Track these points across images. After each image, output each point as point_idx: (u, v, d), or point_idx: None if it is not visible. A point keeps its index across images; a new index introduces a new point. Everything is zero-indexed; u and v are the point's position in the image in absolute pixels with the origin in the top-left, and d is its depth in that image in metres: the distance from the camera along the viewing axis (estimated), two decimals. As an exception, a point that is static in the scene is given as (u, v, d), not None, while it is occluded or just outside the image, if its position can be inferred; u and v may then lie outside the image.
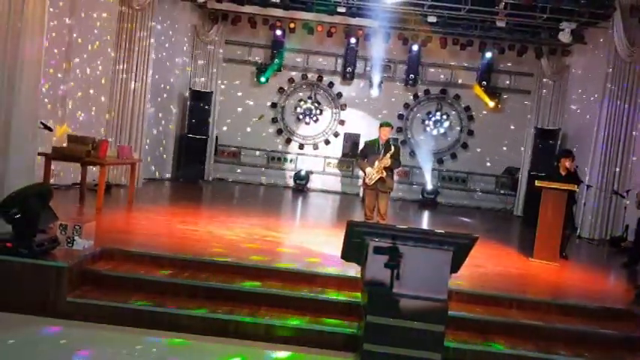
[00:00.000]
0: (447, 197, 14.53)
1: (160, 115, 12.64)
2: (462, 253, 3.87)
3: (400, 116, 14.75)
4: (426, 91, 14.79)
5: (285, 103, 14.94)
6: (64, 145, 7.76)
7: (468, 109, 14.78)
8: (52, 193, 5.27)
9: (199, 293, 4.89)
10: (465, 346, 4.48)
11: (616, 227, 10.26)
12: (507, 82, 14.71)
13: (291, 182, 14.57)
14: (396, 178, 8.08)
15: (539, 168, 11.86)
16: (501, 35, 13.11)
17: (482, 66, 14.33)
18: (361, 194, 12.04)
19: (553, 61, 13.51)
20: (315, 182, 14.71)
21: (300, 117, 14.92)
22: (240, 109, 14.82)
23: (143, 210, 8.40)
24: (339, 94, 14.84)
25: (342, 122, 14.89)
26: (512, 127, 14.51)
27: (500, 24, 11.87)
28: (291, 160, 14.90)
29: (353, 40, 14.17)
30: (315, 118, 14.93)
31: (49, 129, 7.04)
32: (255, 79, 14.71)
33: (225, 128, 14.69)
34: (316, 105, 14.92)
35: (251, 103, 14.85)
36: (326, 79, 14.85)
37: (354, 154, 12.77)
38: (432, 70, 14.83)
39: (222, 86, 14.49)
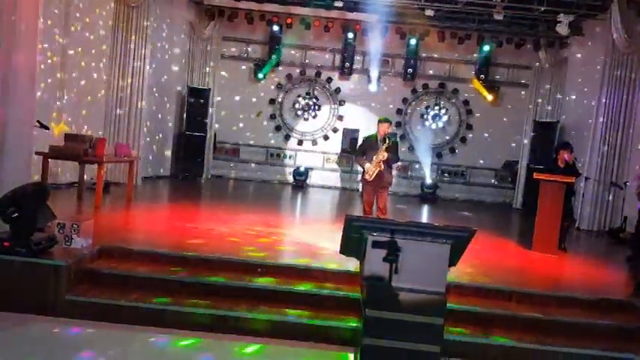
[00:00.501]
0: (446, 191, 14.54)
1: (158, 112, 12.62)
2: (460, 246, 3.86)
3: (399, 111, 14.74)
4: (425, 86, 14.77)
5: (283, 99, 14.92)
6: (62, 143, 7.74)
7: (466, 102, 14.77)
8: (50, 191, 5.26)
9: (199, 290, 4.88)
10: (465, 339, 4.49)
11: (615, 219, 10.27)
12: (505, 75, 14.69)
13: (290, 178, 14.57)
14: (395, 172, 8.07)
15: (538, 160, 11.86)
16: (499, 28, 13.08)
17: (480, 59, 14.32)
18: (360, 189, 12.04)
19: (551, 53, 13.49)
20: (314, 178, 14.71)
21: (299, 113, 14.91)
22: (238, 106, 14.79)
23: (142, 208, 8.39)
24: (338, 90, 14.82)
25: (340, 118, 14.87)
26: (510, 120, 14.50)
27: (498, 17, 11.84)
28: (290, 157, 14.89)
29: (350, 35, 14.14)
30: (313, 114, 14.92)
31: (46, 128, 7.01)
32: (253, 76, 14.69)
33: (223, 125, 14.67)
34: (314, 101, 14.90)
35: (249, 99, 14.82)
36: (324, 74, 14.82)
37: (353, 149, 12.77)
38: (430, 64, 14.81)
39: (220, 83, 14.46)
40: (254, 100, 14.83)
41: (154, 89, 11.96)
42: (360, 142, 7.54)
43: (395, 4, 12.04)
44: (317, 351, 4.29)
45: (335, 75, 14.82)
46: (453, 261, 3.85)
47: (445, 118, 14.82)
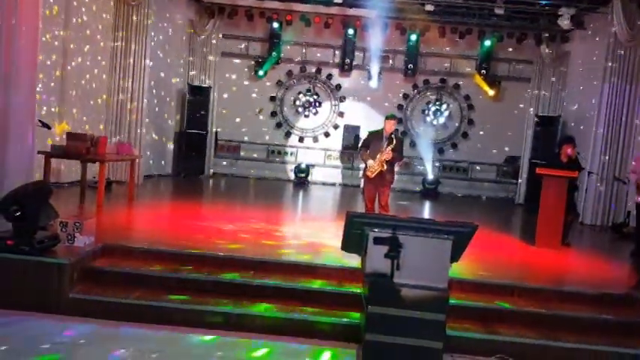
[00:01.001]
0: (448, 187, 14.51)
1: (159, 110, 12.62)
2: (462, 241, 3.85)
3: (400, 107, 14.70)
4: (426, 81, 14.73)
5: (283, 96, 14.90)
6: (64, 142, 7.75)
7: (467, 98, 14.72)
8: (52, 190, 5.27)
9: (202, 287, 4.89)
10: (467, 335, 4.48)
11: (618, 213, 10.24)
12: (507, 70, 14.63)
13: (292, 175, 14.56)
14: (396, 169, 8.03)
15: (540, 155, 11.82)
16: (500, 23, 13.01)
17: (481, 54, 14.26)
18: (362, 186, 12.03)
19: (553, 47, 13.42)
20: (316, 175, 14.70)
21: (300, 110, 14.88)
22: (238, 104, 14.77)
23: (144, 206, 8.40)
24: (338, 86, 14.79)
25: (341, 114, 14.84)
26: (512, 115, 14.44)
27: (499, 11, 11.79)
28: (291, 154, 14.87)
29: (350, 31, 14.09)
30: (314, 111, 14.89)
31: (48, 127, 7.03)
32: (253, 73, 14.67)
33: (224, 123, 14.65)
34: (315, 97, 14.88)
35: (250, 97, 14.80)
36: (324, 71, 14.79)
37: (355, 145, 12.73)
38: (431, 59, 14.76)
39: (221, 81, 14.45)
40: (255, 97, 14.81)
41: (154, 87, 11.95)
42: (365, 135, 7.49)
43: (395, -1, 12.01)
44: (320, 347, 4.29)
45: (335, 71, 14.79)
46: (455, 257, 3.85)
47: (446, 113, 14.77)
